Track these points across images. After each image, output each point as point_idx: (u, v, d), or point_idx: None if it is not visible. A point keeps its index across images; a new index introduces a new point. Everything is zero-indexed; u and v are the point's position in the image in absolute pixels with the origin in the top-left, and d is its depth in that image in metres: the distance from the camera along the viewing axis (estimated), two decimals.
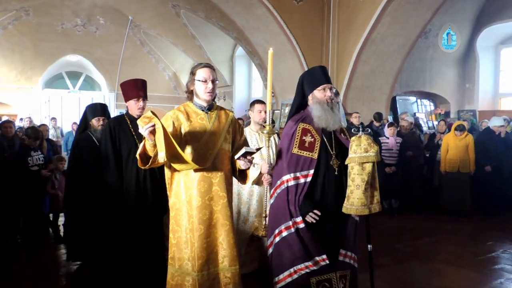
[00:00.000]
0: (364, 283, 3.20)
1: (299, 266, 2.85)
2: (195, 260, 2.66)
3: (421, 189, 7.49)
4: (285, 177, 2.92)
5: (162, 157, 2.49)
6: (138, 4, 12.64)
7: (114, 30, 14.70)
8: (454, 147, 7.08)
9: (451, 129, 7.38)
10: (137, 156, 2.66)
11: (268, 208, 3.26)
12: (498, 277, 4.34)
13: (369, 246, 3.04)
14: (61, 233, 5.67)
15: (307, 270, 2.83)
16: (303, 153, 2.91)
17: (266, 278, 3.15)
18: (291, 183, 2.89)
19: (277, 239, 2.94)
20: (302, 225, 2.84)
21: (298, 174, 2.89)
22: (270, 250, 3.00)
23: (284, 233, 2.89)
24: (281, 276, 2.91)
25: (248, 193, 4.03)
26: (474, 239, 5.83)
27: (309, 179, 2.87)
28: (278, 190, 2.95)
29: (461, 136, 7.06)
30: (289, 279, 2.87)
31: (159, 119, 2.50)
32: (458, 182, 7.03)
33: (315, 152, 2.91)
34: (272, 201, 3.03)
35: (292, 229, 2.86)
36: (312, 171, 2.88)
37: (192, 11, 11.47)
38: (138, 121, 2.56)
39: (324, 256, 2.84)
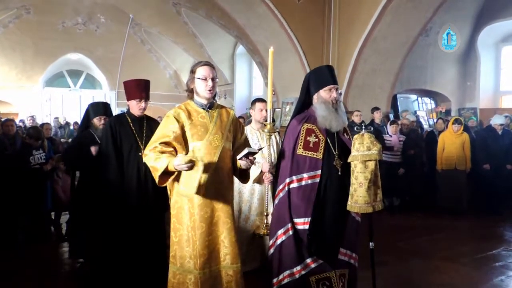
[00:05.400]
0: (365, 280, 3.21)
1: (298, 268, 2.87)
2: (197, 258, 2.66)
3: (422, 187, 7.49)
4: (288, 179, 2.93)
5: (194, 190, 2.59)
6: (138, 3, 12.65)
7: (115, 29, 14.70)
8: (450, 144, 7.04)
9: (447, 127, 7.37)
10: (158, 172, 2.59)
11: (270, 207, 3.27)
12: (499, 275, 4.34)
13: (371, 243, 3.04)
14: (63, 231, 5.69)
15: (306, 271, 2.86)
16: (308, 153, 2.92)
17: (267, 276, 3.16)
18: (294, 185, 2.90)
19: (279, 241, 2.95)
20: (301, 227, 2.86)
21: (304, 175, 2.89)
22: (272, 250, 3.01)
23: (290, 232, 2.89)
24: (280, 277, 2.93)
25: (249, 192, 4.04)
26: (474, 237, 5.84)
27: (317, 179, 2.88)
28: (281, 193, 2.96)
29: (458, 132, 7.03)
30: (288, 279, 2.90)
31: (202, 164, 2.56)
32: (454, 179, 7.01)
33: (320, 152, 2.92)
34: (276, 201, 3.03)
35: (290, 232, 2.88)
36: (319, 172, 2.89)
37: (192, 10, 11.46)
38: (180, 156, 2.52)
39: (313, 259, 2.87)
